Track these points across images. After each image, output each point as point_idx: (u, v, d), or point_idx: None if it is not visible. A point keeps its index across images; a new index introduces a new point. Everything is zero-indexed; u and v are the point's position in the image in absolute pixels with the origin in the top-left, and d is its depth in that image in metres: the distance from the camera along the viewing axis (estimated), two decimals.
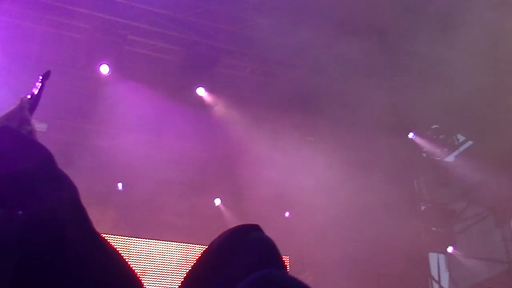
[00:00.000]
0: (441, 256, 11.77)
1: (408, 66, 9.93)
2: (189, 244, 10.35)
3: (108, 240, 1.37)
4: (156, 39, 10.38)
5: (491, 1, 8.84)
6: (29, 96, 1.72)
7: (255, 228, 1.44)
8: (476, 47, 9.36)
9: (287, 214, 10.97)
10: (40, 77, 1.76)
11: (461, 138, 11.28)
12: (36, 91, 1.73)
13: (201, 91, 10.24)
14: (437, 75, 9.94)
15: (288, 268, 1.53)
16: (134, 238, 10.14)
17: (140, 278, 1.42)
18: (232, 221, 10.49)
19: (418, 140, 10.83)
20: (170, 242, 10.34)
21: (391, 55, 10.16)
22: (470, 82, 9.20)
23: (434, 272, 11.80)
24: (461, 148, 11.19)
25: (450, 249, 10.78)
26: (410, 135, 10.73)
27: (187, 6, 10.03)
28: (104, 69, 9.58)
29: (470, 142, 11.11)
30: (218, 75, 10.51)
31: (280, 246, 1.47)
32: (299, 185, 9.81)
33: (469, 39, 9.27)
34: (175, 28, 10.26)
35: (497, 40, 9.14)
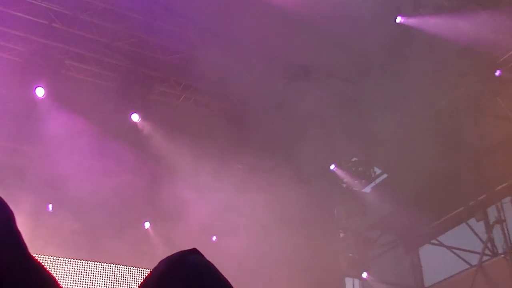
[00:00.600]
0: (356, 281, 12.66)
1: (331, 101, 10.80)
2: (116, 265, 10.62)
3: (42, 264, 1.38)
4: (92, 65, 10.74)
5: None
6: None
7: (193, 252, 1.45)
8: (392, 87, 10.39)
9: (214, 238, 11.42)
10: None
11: (377, 171, 12.26)
12: None
13: (135, 117, 10.65)
14: (357, 111, 10.86)
15: None
16: (62, 258, 10.29)
17: None
18: (160, 245, 10.88)
19: (339, 171, 11.69)
20: (97, 263, 10.56)
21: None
22: (386, 118, 10.19)
23: None
24: (377, 180, 12.17)
25: (364, 275, 11.63)
26: (332, 166, 11.58)
27: (124, 34, 10.47)
28: (40, 92, 9.80)
29: (385, 175, 12.11)
30: (152, 102, 10.96)
31: None
32: (228, 211, 10.38)
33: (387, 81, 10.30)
34: (112, 55, 10.66)
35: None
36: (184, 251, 1.45)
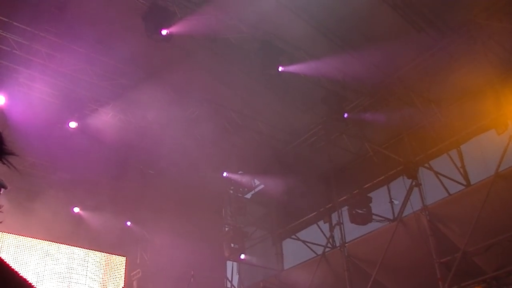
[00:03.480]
0: (235, 264, 16.32)
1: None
2: None
3: None
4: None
5: None
6: None
7: None
8: (264, 118, 14.05)
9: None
10: None
11: (257, 182, 15.97)
12: None
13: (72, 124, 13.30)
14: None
15: None
16: None
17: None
18: None
19: (229, 179, 15.17)
20: None
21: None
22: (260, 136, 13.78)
23: (228, 275, 16.39)
24: (256, 189, 15.88)
25: (242, 256, 15.18)
26: (224, 174, 15.01)
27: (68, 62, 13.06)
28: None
29: (262, 186, 15.85)
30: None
31: None
32: None
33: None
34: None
35: None
36: None
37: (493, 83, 11.84)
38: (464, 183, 12.98)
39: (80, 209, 14.11)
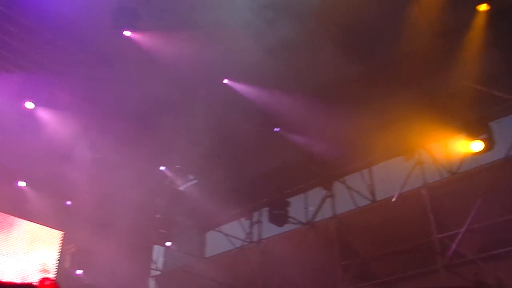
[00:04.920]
0: (161, 248, 17.65)
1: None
2: None
3: None
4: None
5: None
6: None
7: None
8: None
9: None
10: None
11: (191, 177, 17.30)
12: None
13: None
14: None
15: None
16: None
17: None
18: None
19: (167, 172, 16.41)
20: None
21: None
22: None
23: (154, 257, 17.73)
24: (189, 183, 17.22)
25: (168, 243, 16.53)
26: (162, 167, 16.21)
27: None
28: None
29: (195, 180, 17.21)
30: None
31: None
32: None
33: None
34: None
35: None
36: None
37: (408, 115, 12.93)
38: (371, 198, 15.07)
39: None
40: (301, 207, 16.47)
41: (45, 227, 14.90)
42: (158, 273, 17.93)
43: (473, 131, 12.49)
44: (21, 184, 14.92)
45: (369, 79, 13.03)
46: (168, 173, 16.33)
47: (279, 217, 15.66)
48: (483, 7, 11.42)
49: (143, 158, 15.15)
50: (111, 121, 14.10)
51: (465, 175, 12.94)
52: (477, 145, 12.31)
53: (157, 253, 18.04)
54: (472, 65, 11.80)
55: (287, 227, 15.73)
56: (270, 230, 16.09)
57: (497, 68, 12.09)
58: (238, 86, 13.33)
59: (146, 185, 15.71)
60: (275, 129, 14.77)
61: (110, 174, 14.31)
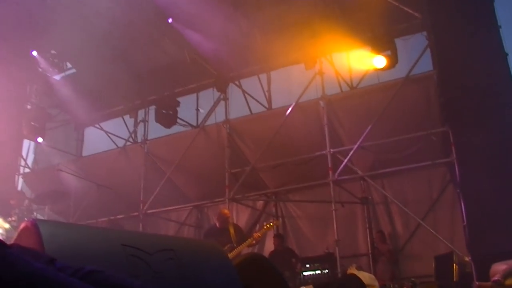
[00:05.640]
0: (32, 143, 15.88)
1: None
2: None
3: None
4: None
5: None
6: None
7: None
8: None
9: None
10: None
11: (69, 65, 15.36)
12: None
13: None
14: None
15: None
16: None
17: None
18: None
19: (39, 58, 14.32)
20: None
21: None
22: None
23: (24, 153, 15.93)
24: (67, 72, 15.32)
25: (40, 140, 14.80)
26: (34, 53, 14.10)
27: None
28: None
29: (74, 70, 15.33)
30: None
31: None
32: None
33: None
34: None
35: None
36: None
37: (311, 20, 12.76)
38: (267, 106, 14.44)
39: None
40: (192, 108, 15.67)
41: None
42: (27, 170, 16.23)
43: (377, 46, 12.05)
44: None
45: None
46: (41, 59, 14.27)
47: (167, 118, 14.61)
48: None
49: (14, 38, 13.02)
50: None
51: (364, 92, 12.77)
52: (380, 61, 11.88)
53: (28, 149, 16.24)
54: None
55: (175, 129, 14.74)
56: (156, 130, 15.01)
57: None
58: None
59: (16, 70, 13.66)
60: (169, 20, 13.34)
61: None
